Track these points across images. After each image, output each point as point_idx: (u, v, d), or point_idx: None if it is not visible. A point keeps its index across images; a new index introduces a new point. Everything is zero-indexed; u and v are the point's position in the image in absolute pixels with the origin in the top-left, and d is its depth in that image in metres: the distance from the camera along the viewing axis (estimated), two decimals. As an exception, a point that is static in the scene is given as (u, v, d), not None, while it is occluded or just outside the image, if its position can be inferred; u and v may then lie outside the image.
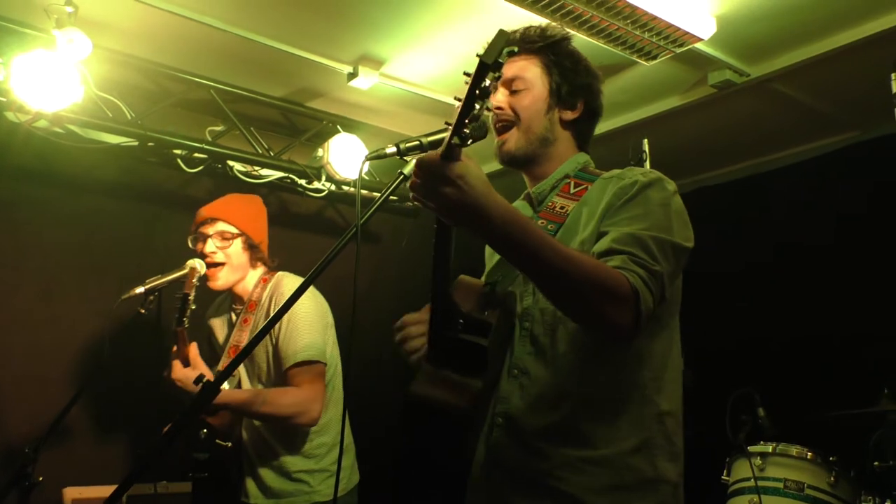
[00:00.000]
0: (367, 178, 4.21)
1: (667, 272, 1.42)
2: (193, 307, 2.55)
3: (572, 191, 1.64)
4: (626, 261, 1.38)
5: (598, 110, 1.76)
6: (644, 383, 1.51)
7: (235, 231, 2.62)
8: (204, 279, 2.60)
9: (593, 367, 1.49)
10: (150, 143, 3.44)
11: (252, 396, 2.43)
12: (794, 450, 2.95)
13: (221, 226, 2.61)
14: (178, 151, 3.61)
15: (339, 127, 4.05)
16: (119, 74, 3.38)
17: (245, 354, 1.49)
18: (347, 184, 4.00)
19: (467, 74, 1.12)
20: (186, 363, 2.45)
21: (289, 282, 2.60)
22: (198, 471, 1.72)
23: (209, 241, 2.59)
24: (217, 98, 3.62)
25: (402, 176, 1.59)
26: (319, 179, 3.94)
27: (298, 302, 2.22)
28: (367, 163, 1.61)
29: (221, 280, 2.61)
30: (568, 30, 1.75)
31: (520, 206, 1.77)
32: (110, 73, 3.32)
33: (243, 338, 2.56)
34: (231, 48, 3.32)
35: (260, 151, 3.83)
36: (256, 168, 3.87)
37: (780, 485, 2.89)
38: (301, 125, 4.09)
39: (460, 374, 1.42)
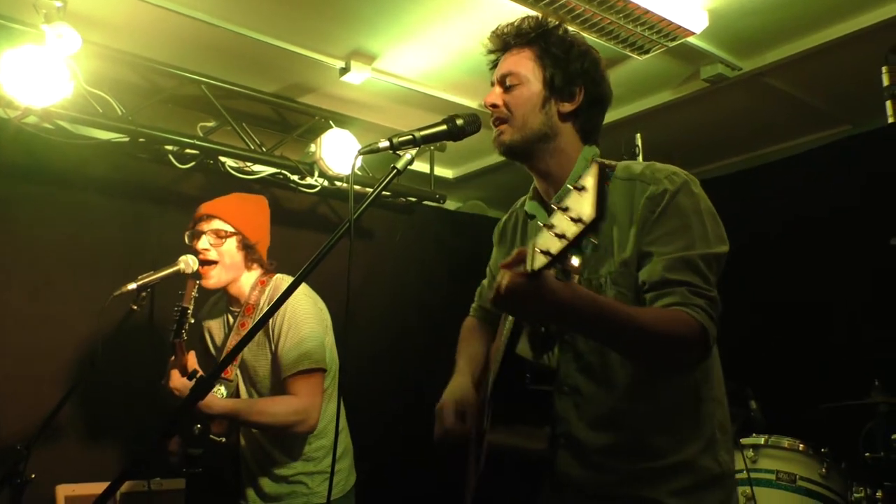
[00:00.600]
0: (359, 173, 4.20)
1: (716, 288, 1.47)
2: (192, 321, 2.51)
3: None
4: (686, 295, 1.42)
5: (604, 97, 1.69)
6: (698, 385, 1.55)
7: (230, 230, 2.56)
8: (197, 277, 2.58)
9: (652, 384, 1.52)
10: (140, 139, 3.42)
11: (250, 405, 2.40)
12: (786, 442, 2.97)
13: (217, 223, 2.56)
14: (169, 147, 3.59)
15: (331, 122, 4.03)
16: (109, 70, 3.36)
17: (234, 354, 1.48)
18: (340, 179, 3.99)
19: (550, 229, 1.11)
20: (185, 373, 2.40)
21: (282, 287, 2.50)
22: (192, 467, 1.71)
23: (203, 237, 2.55)
24: (208, 94, 3.60)
25: (395, 171, 1.58)
26: (312, 175, 3.93)
27: (298, 307, 2.29)
28: (360, 158, 1.59)
29: (214, 279, 2.56)
30: (555, 18, 1.70)
31: (532, 207, 1.72)
32: (100, 68, 3.30)
33: None
34: (222, 43, 3.31)
35: (252, 147, 3.82)
36: (248, 164, 3.85)
37: (773, 476, 2.91)
38: (293, 121, 4.08)
39: (532, 422, 1.49)
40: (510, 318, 1.51)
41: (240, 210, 2.62)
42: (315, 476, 2.49)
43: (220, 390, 2.42)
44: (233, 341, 2.58)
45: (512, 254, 1.25)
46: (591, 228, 1.08)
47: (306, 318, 2.46)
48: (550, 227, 1.12)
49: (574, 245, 1.10)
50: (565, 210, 1.11)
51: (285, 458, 2.49)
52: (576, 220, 1.08)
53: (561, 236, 1.11)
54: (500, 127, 1.64)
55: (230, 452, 2.52)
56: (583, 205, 1.08)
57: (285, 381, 2.42)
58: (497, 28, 1.71)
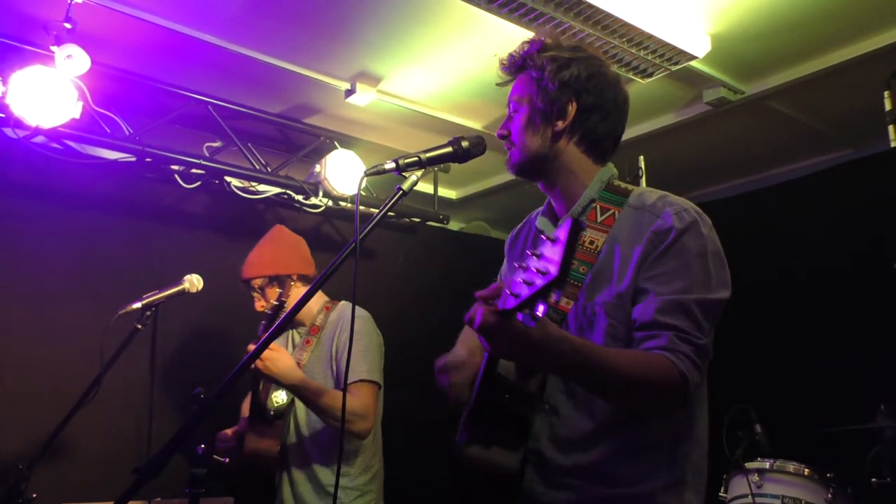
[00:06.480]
0: (363, 193, 4.21)
1: (710, 336, 1.46)
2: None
3: (599, 219, 1.58)
4: (673, 340, 1.40)
5: (600, 105, 1.61)
6: (678, 424, 1.53)
7: (261, 281, 2.75)
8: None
9: (631, 417, 1.51)
10: (147, 159, 3.45)
11: (318, 387, 2.54)
12: (791, 466, 2.94)
13: (253, 282, 2.76)
14: (175, 167, 3.61)
15: (336, 143, 4.07)
16: (117, 90, 3.40)
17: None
18: (344, 199, 4.01)
19: (543, 284, 1.11)
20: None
21: (349, 310, 2.74)
22: (196, 487, 1.70)
23: (255, 301, 2.76)
24: (215, 114, 3.63)
25: (401, 192, 1.59)
26: (316, 195, 3.95)
27: (364, 328, 2.71)
28: (365, 178, 1.60)
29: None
30: (545, 37, 1.67)
31: (542, 223, 1.72)
32: (108, 89, 3.34)
33: (303, 357, 2.72)
34: (229, 65, 3.34)
35: (257, 167, 3.85)
36: (254, 184, 3.87)
37: (778, 501, 2.88)
38: (298, 141, 4.11)
39: (506, 442, 1.51)
40: None
41: (260, 259, 2.79)
42: (349, 491, 2.62)
43: (280, 393, 2.62)
44: (295, 355, 2.74)
45: (491, 287, 1.28)
46: (555, 284, 1.09)
47: (370, 337, 2.71)
48: (524, 269, 1.15)
49: (540, 296, 1.13)
50: (539, 257, 1.13)
51: (321, 464, 2.62)
52: (542, 272, 1.10)
53: (529, 284, 1.13)
54: (508, 151, 1.68)
55: (270, 464, 2.62)
56: (551, 258, 1.10)
57: (348, 386, 2.56)
58: (500, 57, 1.74)
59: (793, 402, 3.65)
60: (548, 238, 1.13)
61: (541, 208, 1.76)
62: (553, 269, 1.08)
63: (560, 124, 1.60)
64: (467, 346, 1.79)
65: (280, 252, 2.83)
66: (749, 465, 3.00)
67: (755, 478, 2.94)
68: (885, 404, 2.97)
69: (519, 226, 1.88)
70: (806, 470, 2.92)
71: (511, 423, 1.51)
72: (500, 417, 1.51)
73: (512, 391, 1.50)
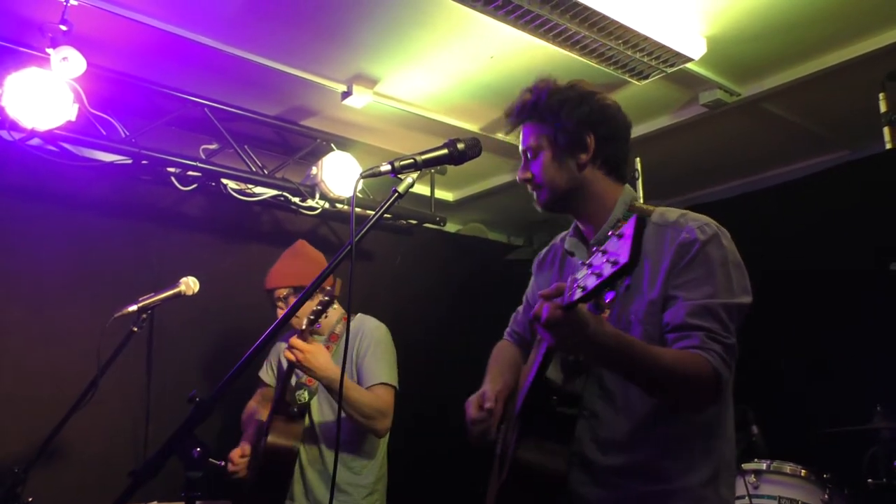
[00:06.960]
0: (360, 195, 4.21)
1: (735, 336, 1.56)
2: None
3: None
4: (704, 339, 1.52)
5: (616, 133, 1.78)
6: (711, 421, 1.65)
7: (286, 291, 2.89)
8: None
9: (668, 415, 1.61)
10: (144, 162, 3.44)
11: (348, 383, 2.67)
12: (788, 467, 2.95)
13: (277, 292, 2.89)
14: (171, 169, 3.61)
15: (332, 145, 4.06)
16: (113, 92, 3.39)
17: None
18: (341, 201, 4.01)
19: (588, 268, 1.25)
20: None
21: (368, 321, 2.95)
22: (191, 490, 1.69)
23: (277, 308, 2.90)
24: (211, 116, 3.63)
25: (396, 194, 1.60)
26: (313, 197, 3.95)
27: (384, 338, 2.88)
28: (361, 180, 1.61)
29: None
30: (546, 85, 1.79)
31: (571, 244, 1.83)
32: (104, 91, 3.33)
33: None
34: (225, 67, 3.34)
35: (254, 169, 3.84)
36: (250, 186, 3.87)
37: (775, 502, 2.89)
38: (295, 143, 4.11)
39: (555, 442, 1.62)
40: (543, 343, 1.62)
41: (285, 271, 2.92)
42: (360, 488, 2.73)
43: (304, 394, 2.72)
44: None
45: (553, 286, 1.38)
46: (625, 270, 1.18)
47: (388, 345, 2.88)
48: (589, 265, 1.26)
49: (608, 284, 1.22)
50: (604, 253, 1.23)
51: (338, 462, 2.73)
52: (612, 263, 1.20)
53: (598, 275, 1.23)
54: (535, 192, 1.79)
55: (290, 459, 2.68)
56: (620, 250, 1.19)
57: (369, 389, 2.71)
58: (505, 110, 1.85)
59: (790, 402, 3.66)
60: (614, 234, 1.24)
61: (566, 232, 1.90)
62: (623, 258, 1.17)
63: (584, 157, 1.74)
64: (495, 371, 1.94)
65: (304, 264, 2.95)
66: (746, 466, 3.00)
67: (752, 479, 2.95)
68: (882, 405, 2.97)
69: (544, 250, 2.03)
70: (803, 471, 2.92)
71: (558, 424, 1.63)
72: (548, 419, 1.62)
73: (559, 393, 1.62)
